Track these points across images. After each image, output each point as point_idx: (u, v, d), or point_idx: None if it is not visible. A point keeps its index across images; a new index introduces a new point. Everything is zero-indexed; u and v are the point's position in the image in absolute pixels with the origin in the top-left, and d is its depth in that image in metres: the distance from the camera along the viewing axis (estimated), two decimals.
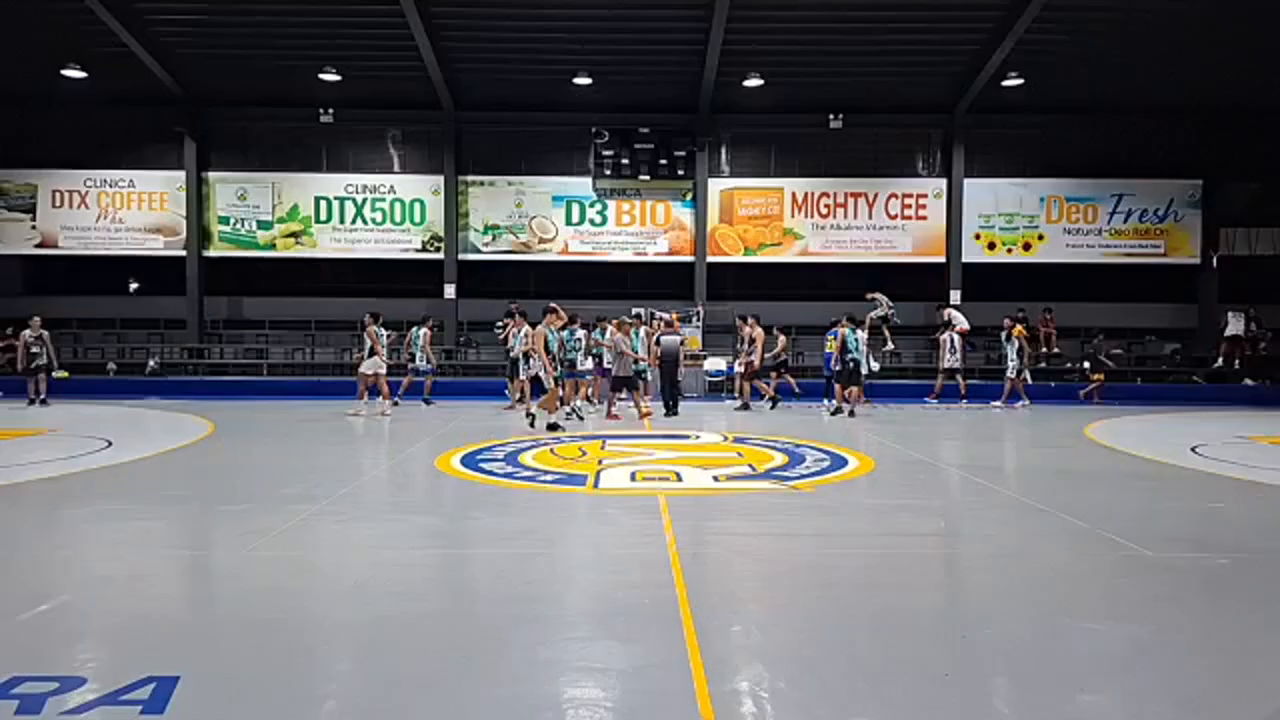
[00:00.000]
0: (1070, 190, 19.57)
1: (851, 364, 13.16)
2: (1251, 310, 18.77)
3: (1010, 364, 15.28)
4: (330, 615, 4.00)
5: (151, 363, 18.68)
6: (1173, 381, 18.52)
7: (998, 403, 15.20)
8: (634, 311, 16.11)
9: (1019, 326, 15.62)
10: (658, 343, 13.80)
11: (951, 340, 15.77)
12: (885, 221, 19.64)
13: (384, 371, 13.02)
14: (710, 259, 19.50)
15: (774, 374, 15.04)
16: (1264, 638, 3.76)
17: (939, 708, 3.00)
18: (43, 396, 14.23)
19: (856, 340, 13.23)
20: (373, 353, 12.92)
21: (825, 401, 14.50)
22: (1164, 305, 19.97)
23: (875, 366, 14.41)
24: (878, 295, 16.79)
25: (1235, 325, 18.33)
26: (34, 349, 14.38)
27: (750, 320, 14.20)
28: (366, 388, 13.12)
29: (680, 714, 2.89)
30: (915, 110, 18.99)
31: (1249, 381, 18.04)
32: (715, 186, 19.57)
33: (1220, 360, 18.24)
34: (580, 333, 13.38)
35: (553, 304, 11.90)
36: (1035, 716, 2.98)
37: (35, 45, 16.85)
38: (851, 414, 12.87)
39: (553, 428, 10.51)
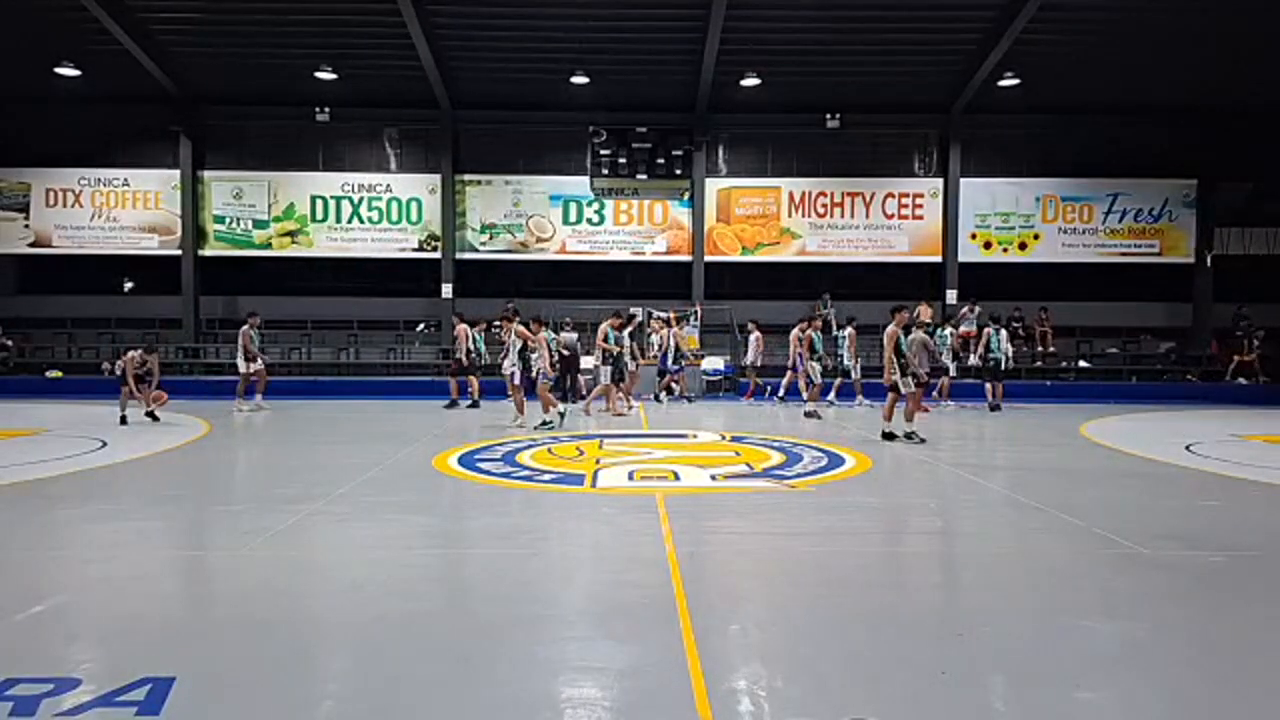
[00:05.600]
0: (1066, 190, 19.61)
1: (993, 363, 14.30)
2: (1244, 309, 18.82)
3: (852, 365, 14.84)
4: (327, 615, 4.00)
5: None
6: (1167, 380, 18.59)
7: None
8: (629, 310, 16.01)
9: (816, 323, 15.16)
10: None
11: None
12: (882, 221, 19.66)
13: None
14: (708, 258, 19.50)
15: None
16: (1258, 635, 3.78)
17: (935, 706, 3.00)
18: (259, 403, 12.75)
19: (999, 340, 14.13)
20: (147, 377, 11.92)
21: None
22: (1159, 304, 20.03)
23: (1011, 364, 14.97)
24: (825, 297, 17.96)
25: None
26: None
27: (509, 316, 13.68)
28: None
29: (678, 713, 2.89)
30: (912, 110, 19.01)
31: (1241, 380, 18.10)
32: (712, 186, 19.57)
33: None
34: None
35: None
36: (1032, 714, 2.99)
37: (29, 43, 16.76)
38: (996, 408, 13.75)
39: (889, 436, 10.01)
